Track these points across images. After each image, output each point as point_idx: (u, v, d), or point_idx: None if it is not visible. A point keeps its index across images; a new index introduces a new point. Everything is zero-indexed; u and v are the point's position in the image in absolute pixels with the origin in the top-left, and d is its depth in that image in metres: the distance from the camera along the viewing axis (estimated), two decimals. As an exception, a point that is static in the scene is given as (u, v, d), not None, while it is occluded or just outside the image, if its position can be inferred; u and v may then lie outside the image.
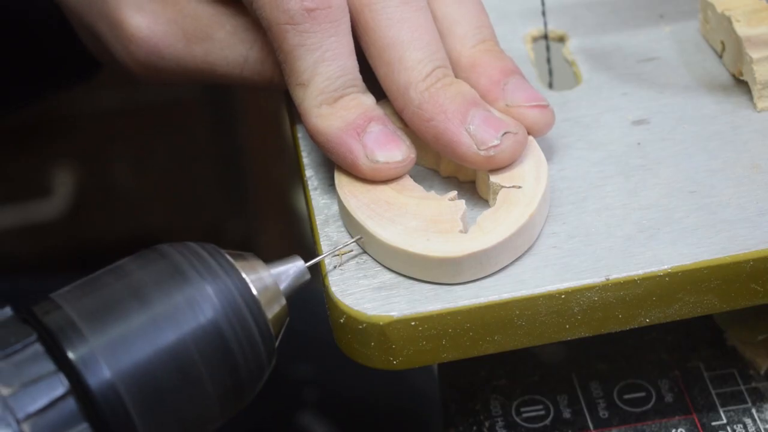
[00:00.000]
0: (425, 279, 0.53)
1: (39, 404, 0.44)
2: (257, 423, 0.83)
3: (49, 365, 0.45)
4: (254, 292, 0.49)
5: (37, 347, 0.45)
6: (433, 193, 0.55)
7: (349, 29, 0.55)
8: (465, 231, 0.53)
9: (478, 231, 0.53)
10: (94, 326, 0.46)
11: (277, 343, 0.50)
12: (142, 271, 0.48)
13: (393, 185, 0.55)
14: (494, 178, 0.55)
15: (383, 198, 0.54)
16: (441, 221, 0.53)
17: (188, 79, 0.60)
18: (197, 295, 0.47)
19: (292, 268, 0.51)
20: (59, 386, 0.45)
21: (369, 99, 0.55)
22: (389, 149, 0.54)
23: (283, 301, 0.51)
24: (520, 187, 0.54)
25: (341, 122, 0.54)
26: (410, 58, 0.55)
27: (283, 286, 0.51)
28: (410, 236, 0.53)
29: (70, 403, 0.45)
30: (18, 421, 0.44)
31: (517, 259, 0.53)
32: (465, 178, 0.57)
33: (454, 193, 0.55)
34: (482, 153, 0.54)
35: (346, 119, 0.54)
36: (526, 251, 0.54)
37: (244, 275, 0.49)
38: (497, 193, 0.54)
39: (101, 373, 0.45)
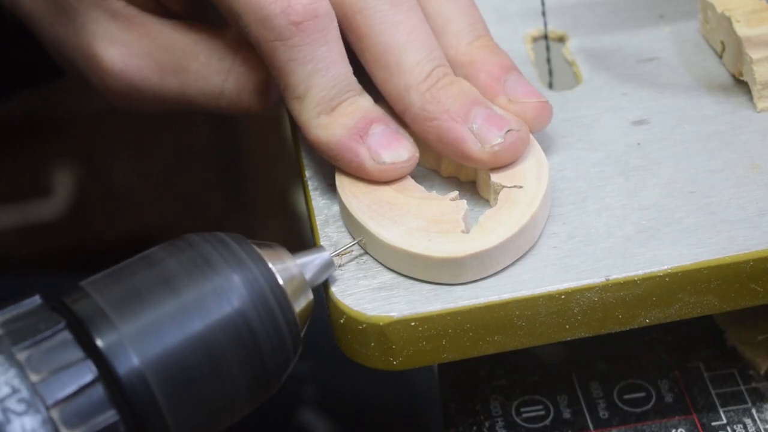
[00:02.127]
0: (427, 279, 0.53)
1: (67, 391, 0.45)
2: (256, 421, 0.83)
3: (77, 352, 0.45)
4: (280, 281, 0.49)
5: (66, 334, 0.46)
6: (434, 193, 0.55)
7: (339, 34, 0.54)
8: (467, 231, 0.53)
9: (479, 231, 0.53)
10: (123, 314, 0.46)
11: (303, 333, 0.50)
12: (171, 260, 0.48)
13: (394, 186, 0.55)
14: (495, 178, 0.55)
15: (384, 198, 0.54)
16: (443, 221, 0.53)
17: (167, 108, 0.60)
18: (225, 284, 0.48)
19: (318, 259, 0.52)
20: (88, 373, 0.45)
21: (367, 101, 0.55)
22: (394, 149, 0.54)
23: (309, 291, 0.51)
24: (521, 187, 0.54)
25: (342, 129, 0.54)
26: (408, 61, 0.54)
27: (309, 276, 0.51)
28: (412, 237, 0.53)
29: (99, 390, 0.45)
30: (47, 407, 0.44)
31: (517, 260, 0.53)
32: (466, 179, 0.57)
33: (455, 193, 0.55)
34: (486, 151, 0.54)
35: (346, 126, 0.54)
36: (527, 251, 0.54)
37: (270, 265, 0.49)
38: (498, 193, 0.54)
39: (129, 361, 0.45)
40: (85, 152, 1.46)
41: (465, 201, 0.54)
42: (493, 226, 0.53)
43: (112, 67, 0.59)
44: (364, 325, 0.52)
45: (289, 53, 0.54)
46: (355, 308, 0.52)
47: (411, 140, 0.55)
